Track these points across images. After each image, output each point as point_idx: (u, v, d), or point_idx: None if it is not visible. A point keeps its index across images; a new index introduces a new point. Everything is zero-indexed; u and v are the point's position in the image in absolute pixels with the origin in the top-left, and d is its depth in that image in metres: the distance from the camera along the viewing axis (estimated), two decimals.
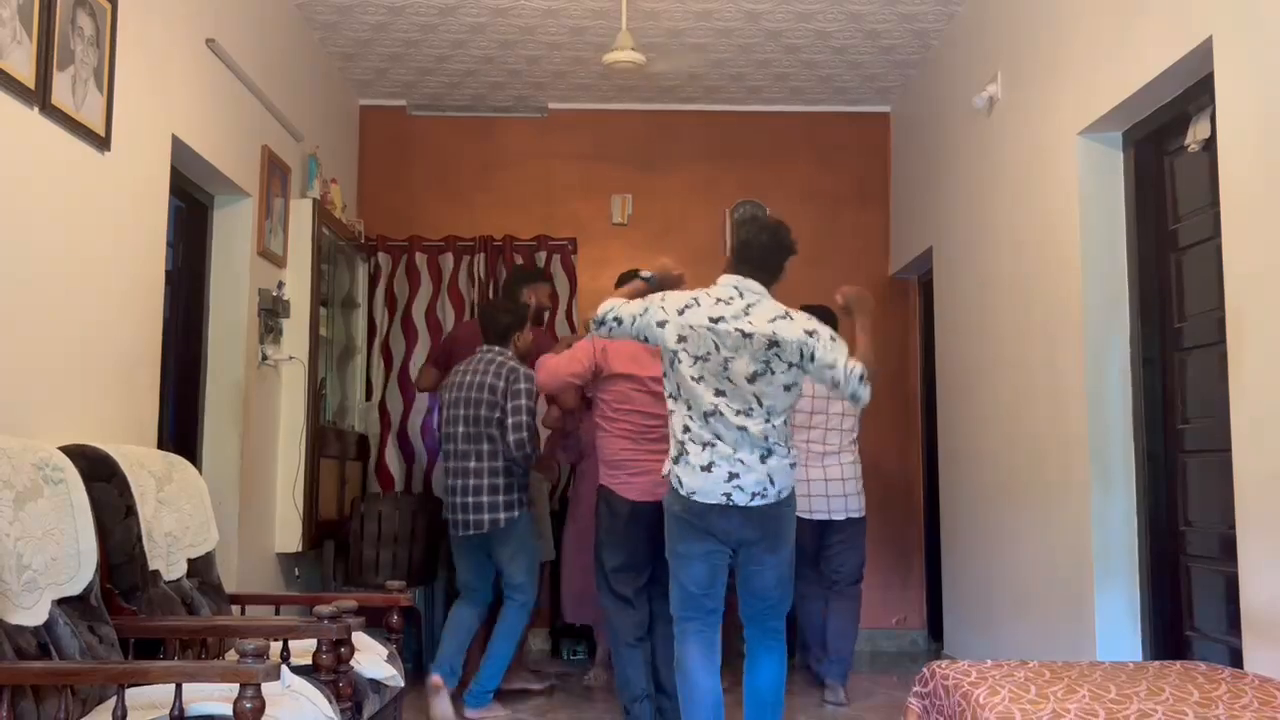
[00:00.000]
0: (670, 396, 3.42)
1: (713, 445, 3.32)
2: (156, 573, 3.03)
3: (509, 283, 5.44)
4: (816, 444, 4.89)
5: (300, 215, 5.20)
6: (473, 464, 4.48)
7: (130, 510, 2.93)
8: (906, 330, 6.64)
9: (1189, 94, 3.49)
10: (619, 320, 3.42)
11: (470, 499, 4.47)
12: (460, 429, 4.52)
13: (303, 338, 5.12)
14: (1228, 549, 3.21)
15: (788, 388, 3.35)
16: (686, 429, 3.36)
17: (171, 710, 2.16)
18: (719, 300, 3.36)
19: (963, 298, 5.44)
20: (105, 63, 3.36)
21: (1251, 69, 2.96)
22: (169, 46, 3.88)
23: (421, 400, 6.01)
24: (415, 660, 5.21)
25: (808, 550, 4.80)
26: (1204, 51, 3.19)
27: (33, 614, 2.37)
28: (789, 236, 3.47)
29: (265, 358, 4.84)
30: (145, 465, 3.11)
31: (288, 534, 5.03)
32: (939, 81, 5.80)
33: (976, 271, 5.19)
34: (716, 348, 3.30)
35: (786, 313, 3.36)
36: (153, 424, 3.77)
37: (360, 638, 3.10)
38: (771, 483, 3.34)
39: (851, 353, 3.36)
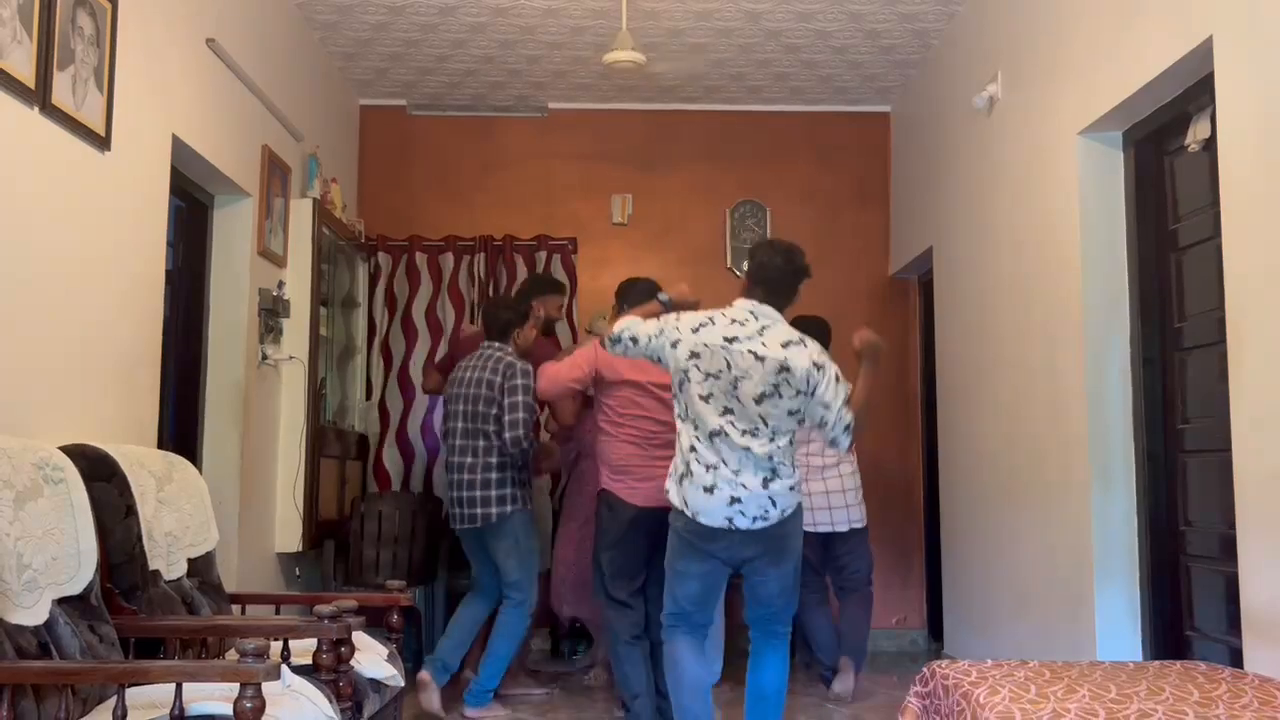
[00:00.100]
0: (679, 417, 3.48)
1: (716, 468, 3.37)
2: (157, 572, 3.03)
3: (521, 289, 5.47)
4: (815, 456, 4.92)
5: (300, 215, 5.20)
6: (470, 459, 4.50)
7: (130, 510, 2.93)
8: (906, 330, 6.63)
9: (1189, 94, 3.49)
10: (634, 339, 3.48)
11: (466, 493, 4.50)
12: (460, 424, 4.54)
13: (303, 337, 5.12)
14: (1228, 549, 3.21)
15: (792, 413, 3.39)
16: (693, 449, 3.41)
17: (172, 710, 2.16)
18: (734, 321, 3.41)
19: (963, 298, 5.44)
20: (105, 62, 3.36)
21: (1252, 69, 2.96)
22: (169, 46, 3.88)
23: (421, 400, 6.00)
24: (415, 660, 5.20)
25: (812, 561, 4.87)
26: (1204, 51, 3.19)
27: (33, 613, 2.37)
28: (803, 260, 3.52)
29: (265, 357, 4.84)
30: (145, 465, 3.12)
31: (288, 534, 5.03)
32: (939, 81, 5.80)
33: (976, 271, 5.19)
34: (728, 366, 3.35)
35: (801, 339, 3.42)
36: (153, 424, 3.77)
37: (360, 637, 3.10)
38: (773, 504, 3.38)
39: (849, 398, 3.44)
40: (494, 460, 4.48)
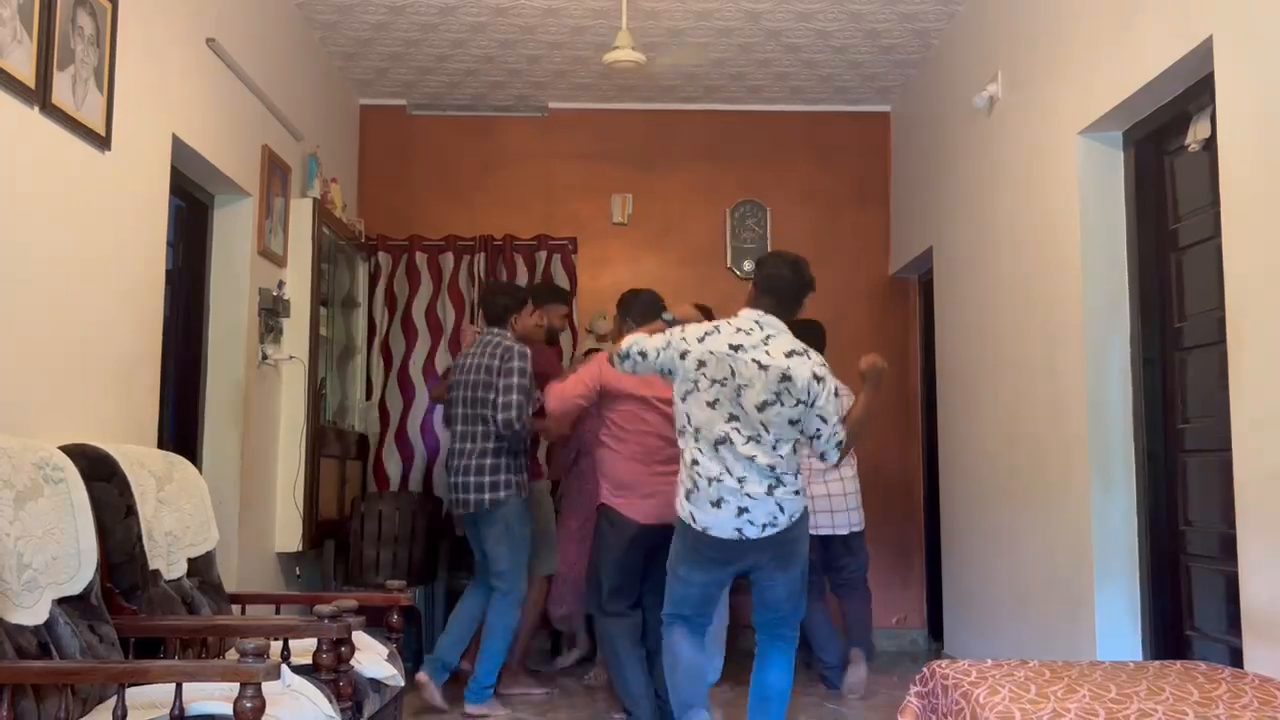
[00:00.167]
0: (680, 431, 3.52)
1: (720, 480, 3.40)
2: (157, 572, 3.03)
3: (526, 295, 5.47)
4: (816, 459, 4.92)
5: (300, 215, 5.20)
6: (469, 445, 4.55)
7: (130, 510, 2.93)
8: (906, 330, 6.63)
9: (1189, 93, 3.49)
10: (643, 355, 3.53)
11: (462, 478, 4.54)
12: (461, 410, 4.59)
13: (303, 337, 5.12)
14: (1228, 549, 3.21)
15: (792, 422, 3.43)
16: (695, 462, 3.45)
17: (172, 710, 2.16)
18: (739, 330, 3.48)
19: (963, 298, 5.44)
20: (105, 62, 3.36)
21: (1252, 69, 2.96)
22: (169, 46, 3.88)
23: (421, 400, 6.00)
24: (415, 659, 5.19)
25: (812, 561, 4.86)
26: (1204, 51, 3.19)
27: (33, 613, 2.37)
28: (809, 273, 3.59)
29: (265, 357, 4.84)
30: (145, 465, 3.11)
31: (288, 533, 5.03)
32: (939, 81, 5.80)
33: (976, 271, 5.19)
34: (732, 373, 3.41)
35: (805, 350, 3.48)
36: (153, 423, 3.77)
37: (360, 637, 3.10)
38: (781, 510, 3.42)
39: (846, 417, 3.52)
40: (490, 446, 4.51)
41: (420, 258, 6.19)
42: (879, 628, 6.33)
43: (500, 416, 4.41)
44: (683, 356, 3.48)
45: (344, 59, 6.04)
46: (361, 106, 6.68)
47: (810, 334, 4.08)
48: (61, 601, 2.49)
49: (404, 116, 6.69)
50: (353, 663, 2.88)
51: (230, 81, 4.45)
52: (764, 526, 3.40)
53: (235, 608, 3.43)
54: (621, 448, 4.18)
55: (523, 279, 6.13)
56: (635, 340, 3.57)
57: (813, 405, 3.42)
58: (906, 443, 6.58)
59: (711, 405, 3.42)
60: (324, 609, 2.76)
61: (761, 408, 3.38)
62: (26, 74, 2.93)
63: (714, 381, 3.42)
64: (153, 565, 3.00)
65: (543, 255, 6.25)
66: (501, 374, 4.46)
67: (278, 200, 4.97)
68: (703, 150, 6.74)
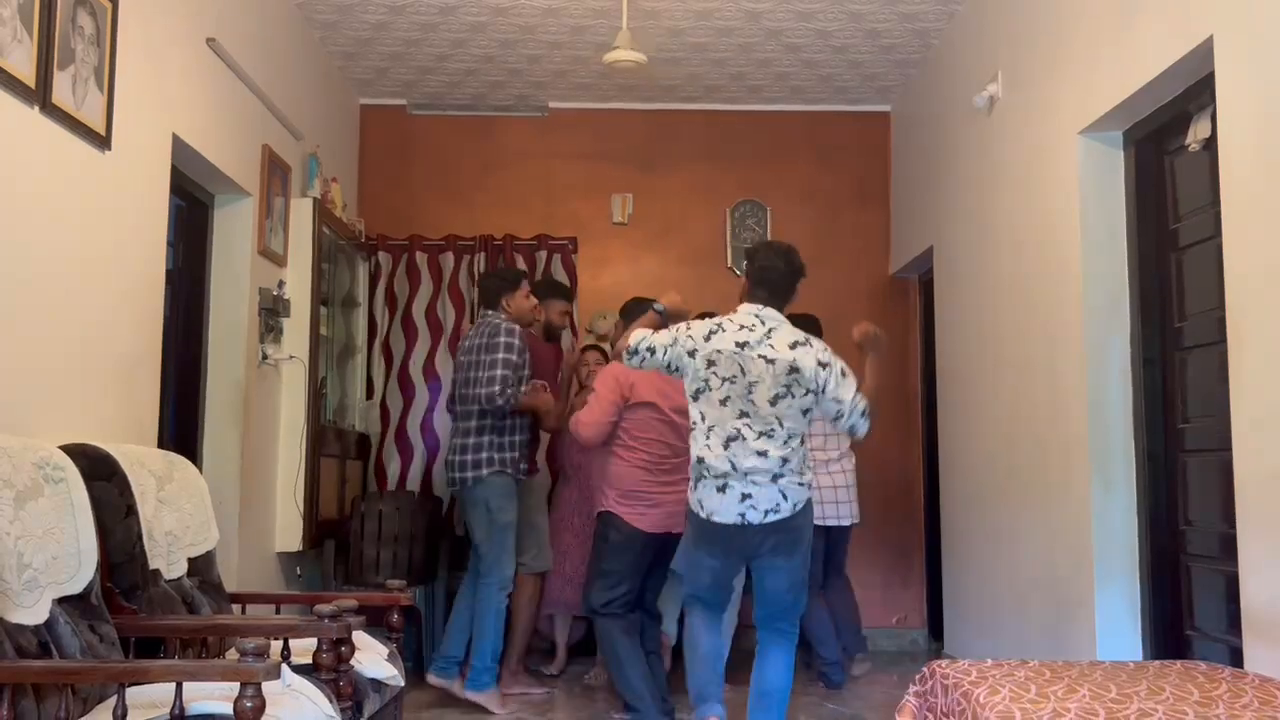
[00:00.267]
0: (692, 426, 3.58)
1: (727, 473, 3.47)
2: (157, 572, 3.03)
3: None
4: (818, 450, 5.05)
5: (301, 214, 5.20)
6: (460, 424, 4.66)
7: (131, 509, 2.93)
8: (906, 330, 6.63)
9: (1189, 93, 3.49)
10: (652, 350, 3.58)
11: (450, 456, 4.66)
12: (458, 391, 4.70)
13: (303, 337, 5.12)
14: (1228, 549, 3.21)
15: (805, 411, 3.52)
16: (702, 459, 3.51)
17: (172, 709, 2.16)
18: (742, 327, 3.53)
19: (963, 298, 5.44)
20: (106, 62, 3.36)
21: (1252, 68, 2.96)
22: (169, 46, 3.88)
23: (421, 399, 6.01)
24: (415, 659, 5.20)
25: (816, 551, 4.90)
26: (1204, 51, 3.19)
27: (33, 613, 2.37)
28: (799, 260, 3.65)
29: (265, 357, 4.84)
30: (146, 464, 3.11)
31: (288, 533, 5.03)
32: (939, 81, 5.80)
33: (976, 271, 5.19)
34: (742, 372, 3.47)
35: (807, 339, 3.55)
36: (153, 423, 3.77)
37: (360, 637, 3.10)
38: (784, 498, 3.48)
39: (859, 388, 3.55)
40: (473, 424, 4.59)
41: (420, 257, 6.19)
42: (879, 627, 6.35)
43: (483, 392, 4.46)
44: (691, 355, 3.53)
45: (344, 59, 6.04)
46: (361, 106, 6.68)
47: (807, 329, 4.11)
48: (62, 601, 2.49)
49: (404, 116, 6.69)
50: (353, 662, 2.88)
51: (230, 81, 4.45)
52: (766, 513, 3.45)
53: (235, 607, 3.43)
54: (630, 456, 4.23)
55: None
56: (642, 336, 3.60)
57: (824, 391, 3.49)
58: (906, 443, 6.57)
59: (723, 403, 3.48)
60: (324, 609, 2.76)
61: (774, 402, 3.45)
62: (26, 74, 2.93)
63: (724, 380, 3.48)
64: (153, 565, 3.00)
65: (543, 255, 6.25)
66: (488, 350, 4.53)
67: (278, 200, 4.97)
68: (703, 150, 6.74)
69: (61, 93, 3.11)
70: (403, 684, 3.33)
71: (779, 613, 3.60)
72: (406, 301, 6.14)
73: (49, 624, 2.41)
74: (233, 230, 4.66)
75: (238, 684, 2.08)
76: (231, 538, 4.34)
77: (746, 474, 3.44)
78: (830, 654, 5.12)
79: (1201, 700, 2.30)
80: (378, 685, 3.09)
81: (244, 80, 4.57)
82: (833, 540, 5.18)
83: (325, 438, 5.36)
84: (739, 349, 3.48)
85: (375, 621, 3.42)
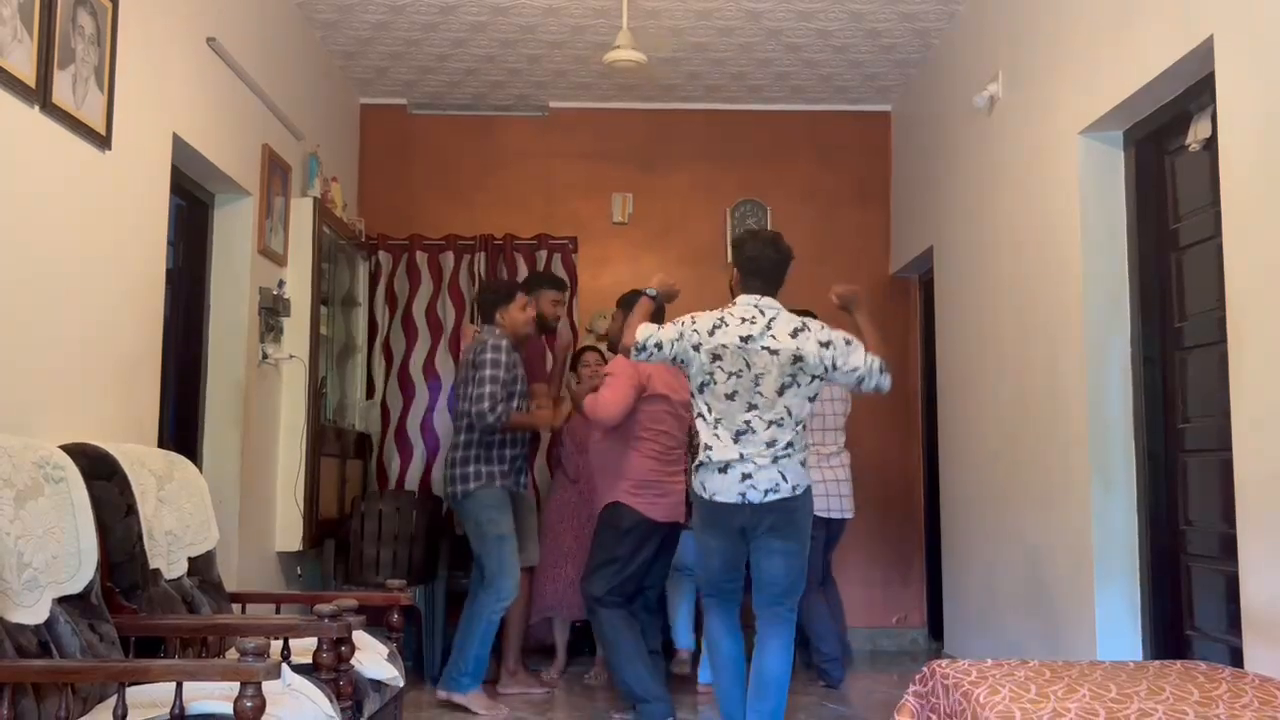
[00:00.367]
0: (699, 416, 3.64)
1: (735, 459, 3.54)
2: (157, 571, 3.03)
3: (521, 285, 5.46)
4: (818, 445, 5.10)
5: (301, 214, 5.20)
6: (453, 437, 4.75)
7: (131, 509, 2.93)
8: (906, 330, 6.63)
9: (1190, 93, 3.49)
10: (659, 346, 3.64)
11: (442, 471, 4.78)
12: (453, 406, 4.82)
13: (303, 336, 5.11)
14: (1228, 548, 3.21)
15: (811, 398, 3.62)
16: (708, 447, 3.59)
17: (172, 709, 2.16)
18: (744, 320, 3.59)
19: (963, 297, 5.44)
20: (106, 61, 3.36)
21: (1252, 68, 2.96)
22: (170, 45, 3.88)
23: (421, 399, 6.00)
24: (415, 659, 5.20)
25: (817, 542, 4.96)
26: (1205, 51, 3.19)
27: (33, 612, 2.37)
28: (786, 245, 3.73)
29: (266, 356, 4.84)
30: (146, 464, 3.11)
31: (288, 532, 5.03)
32: (940, 81, 5.80)
33: (976, 271, 5.19)
34: (747, 365, 3.54)
35: (804, 324, 3.61)
36: (153, 422, 3.77)
37: (361, 636, 3.10)
38: (784, 479, 3.55)
39: (866, 349, 3.64)
40: (462, 439, 4.66)
41: (420, 257, 6.19)
42: (879, 627, 6.36)
43: (473, 409, 4.50)
44: (696, 349, 3.58)
45: (344, 58, 6.04)
46: (362, 106, 6.68)
47: None
48: (62, 600, 2.49)
49: (404, 116, 6.69)
50: (353, 662, 2.88)
51: (230, 81, 4.45)
52: (766, 492, 3.53)
53: (235, 607, 3.43)
54: (642, 447, 4.31)
55: (523, 278, 6.11)
56: (648, 331, 3.65)
57: (836, 368, 3.58)
58: (906, 442, 6.57)
59: (730, 398, 3.55)
60: (324, 608, 2.76)
61: (780, 392, 3.54)
62: (27, 73, 2.93)
63: (730, 374, 3.54)
64: (153, 564, 3.00)
65: (543, 254, 6.25)
66: (475, 367, 4.59)
67: (278, 199, 4.97)
68: (703, 150, 6.74)
69: (62, 92, 3.11)
70: (403, 684, 3.33)
71: (778, 595, 3.64)
72: (407, 301, 6.14)
73: (49, 623, 2.41)
74: (233, 230, 4.66)
75: (238, 684, 2.08)
76: (231, 537, 4.34)
77: (751, 457, 3.53)
78: (830, 650, 5.12)
79: (1201, 700, 2.30)
80: (378, 685, 3.09)
81: (244, 80, 4.57)
82: (832, 533, 5.22)
83: (325, 437, 5.36)
84: (743, 343, 3.54)
85: (375, 621, 3.42)
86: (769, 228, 6.66)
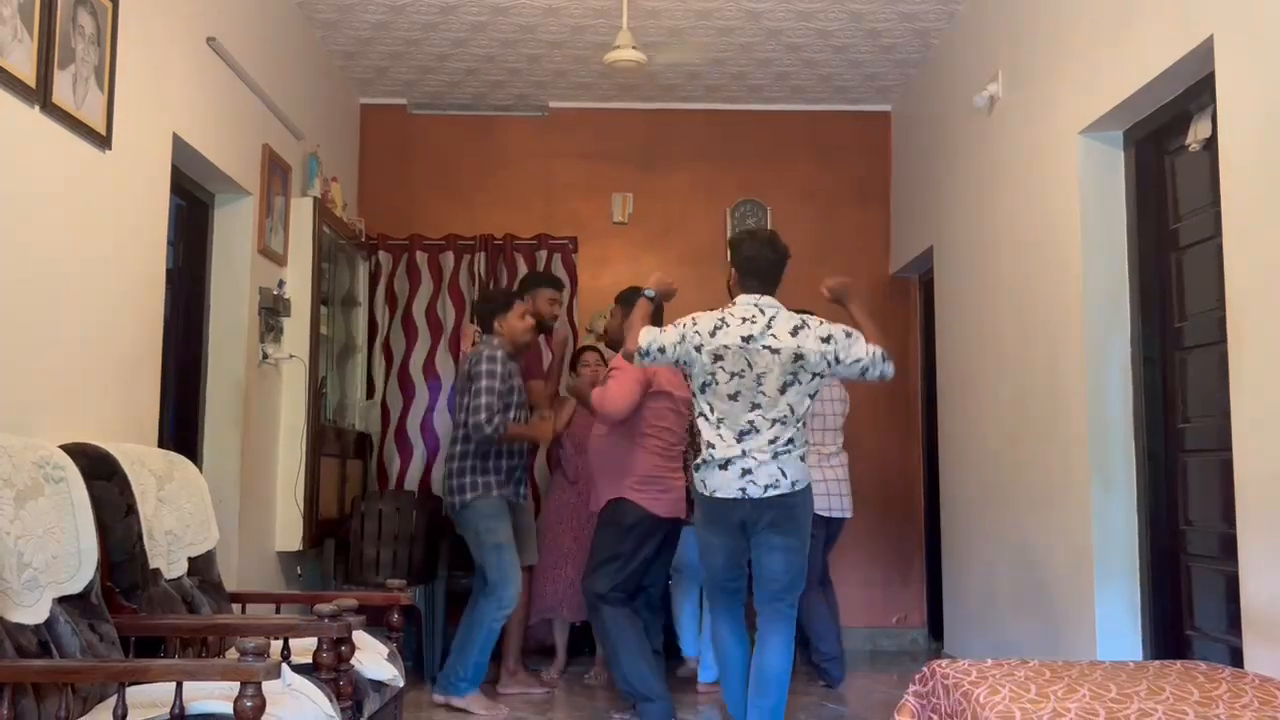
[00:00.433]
0: (701, 415, 3.66)
1: (736, 455, 3.57)
2: (157, 571, 3.03)
3: (520, 285, 5.47)
4: (818, 445, 5.10)
5: (301, 214, 5.20)
6: (451, 446, 4.73)
7: (131, 508, 2.93)
8: (906, 330, 6.63)
9: (1190, 93, 3.49)
10: (662, 349, 3.65)
11: (443, 481, 4.78)
12: (453, 415, 4.82)
13: (303, 336, 5.11)
14: (1228, 548, 3.21)
15: (811, 395, 3.65)
16: (711, 445, 3.61)
17: (172, 709, 2.16)
18: (744, 320, 3.61)
19: (963, 297, 5.44)
20: (106, 61, 3.36)
21: (1252, 68, 2.96)
22: (170, 45, 3.88)
23: (421, 399, 6.01)
24: (415, 659, 5.20)
25: (818, 541, 4.96)
26: (1205, 51, 3.19)
27: (33, 612, 2.37)
28: (783, 244, 3.77)
29: (266, 356, 4.84)
30: (146, 463, 3.11)
31: (288, 532, 5.03)
32: (940, 81, 5.80)
33: (976, 271, 5.19)
34: (749, 365, 3.56)
35: (804, 321, 3.64)
36: (153, 422, 3.77)
37: (361, 636, 3.10)
38: (783, 474, 3.57)
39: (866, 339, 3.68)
40: (458, 449, 4.66)
41: (420, 257, 6.19)
42: (879, 627, 6.36)
43: (471, 421, 4.50)
44: (698, 350, 3.60)
45: (344, 58, 6.04)
46: (362, 105, 6.68)
47: None
48: (62, 600, 2.49)
49: (404, 116, 6.69)
50: (353, 662, 2.88)
51: (230, 81, 4.45)
52: (766, 487, 3.55)
53: (235, 607, 3.43)
54: (647, 443, 4.33)
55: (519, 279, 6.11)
56: (650, 335, 3.66)
57: (839, 362, 3.62)
58: (906, 443, 6.57)
59: (733, 398, 3.57)
60: (324, 608, 2.76)
61: (783, 390, 3.56)
62: (27, 73, 2.93)
63: (732, 375, 3.56)
64: (153, 564, 3.00)
65: (543, 254, 6.25)
66: (470, 378, 4.59)
67: (278, 199, 4.97)
68: (703, 150, 6.74)
69: (62, 92, 3.11)
70: (403, 684, 3.33)
71: (778, 592, 3.66)
72: (407, 301, 6.14)
73: (49, 623, 2.41)
74: (233, 230, 4.66)
75: (238, 683, 2.08)
76: (231, 537, 4.34)
77: (751, 453, 3.56)
78: (830, 649, 5.13)
79: (1201, 700, 2.30)
80: (378, 685, 3.09)
81: (244, 80, 4.57)
82: (831, 532, 5.23)
83: (325, 437, 5.36)
84: (745, 343, 3.56)
85: (375, 621, 3.43)
86: (769, 228, 6.67)
